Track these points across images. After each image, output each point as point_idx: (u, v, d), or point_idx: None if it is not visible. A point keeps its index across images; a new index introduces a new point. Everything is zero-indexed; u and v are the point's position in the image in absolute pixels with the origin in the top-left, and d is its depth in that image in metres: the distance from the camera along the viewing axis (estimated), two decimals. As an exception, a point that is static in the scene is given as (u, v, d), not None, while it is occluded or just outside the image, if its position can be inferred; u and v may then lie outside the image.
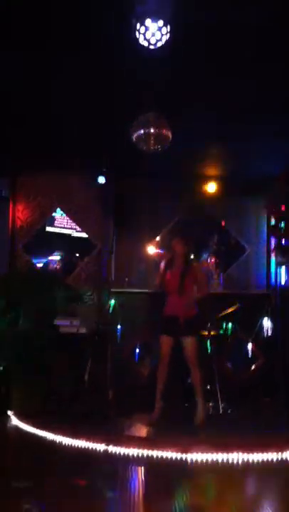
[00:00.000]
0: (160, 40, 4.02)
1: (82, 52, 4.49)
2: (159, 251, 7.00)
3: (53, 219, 8.94)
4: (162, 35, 3.99)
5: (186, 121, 5.53)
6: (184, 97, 5.22)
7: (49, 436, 4.98)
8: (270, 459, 4.32)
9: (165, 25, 3.95)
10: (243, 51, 4.43)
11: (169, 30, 3.97)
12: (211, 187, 7.61)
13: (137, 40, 3.99)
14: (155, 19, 3.94)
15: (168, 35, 4.00)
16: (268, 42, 4.29)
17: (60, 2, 3.87)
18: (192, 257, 8.21)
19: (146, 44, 4.05)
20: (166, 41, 4.04)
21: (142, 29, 3.98)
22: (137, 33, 3.99)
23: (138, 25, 3.97)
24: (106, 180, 7.24)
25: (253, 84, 4.97)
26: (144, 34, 3.99)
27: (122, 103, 5.27)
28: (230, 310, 6.52)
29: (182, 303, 5.53)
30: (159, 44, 4.05)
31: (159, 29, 3.96)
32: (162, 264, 5.76)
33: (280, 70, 4.72)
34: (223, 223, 7.96)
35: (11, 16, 4.01)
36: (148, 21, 3.93)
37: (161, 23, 3.94)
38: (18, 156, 7.01)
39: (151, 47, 4.06)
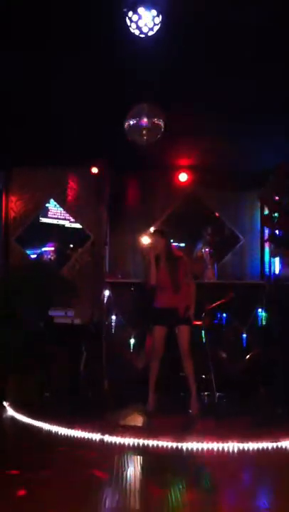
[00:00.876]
0: (152, 29, 4.05)
1: (82, 52, 4.48)
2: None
3: (47, 210, 8.94)
4: (155, 24, 4.03)
5: (185, 118, 5.55)
6: (183, 97, 5.23)
7: (45, 426, 5.00)
8: (265, 448, 4.35)
9: (158, 15, 3.98)
10: (243, 51, 4.43)
11: (160, 19, 3.99)
12: (205, 177, 7.62)
13: (132, 32, 4.01)
14: (148, 8, 3.96)
15: (159, 24, 4.03)
16: (268, 42, 4.30)
17: (60, 2, 3.86)
18: (183, 245, 8.31)
19: (137, 32, 4.07)
20: (158, 31, 4.06)
21: (135, 17, 4.01)
22: (128, 21, 4.01)
23: (130, 13, 4.00)
24: (100, 170, 7.22)
25: (253, 85, 4.99)
26: (136, 22, 4.03)
27: (122, 102, 5.24)
28: (222, 301, 6.54)
29: (178, 296, 5.53)
30: (150, 33, 4.07)
31: (152, 18, 4.00)
32: (152, 262, 5.60)
33: (280, 70, 4.74)
34: (217, 214, 7.96)
35: (11, 16, 4.00)
36: (141, 10, 3.97)
37: (154, 12, 3.97)
38: (17, 155, 6.98)
39: (142, 35, 4.09)
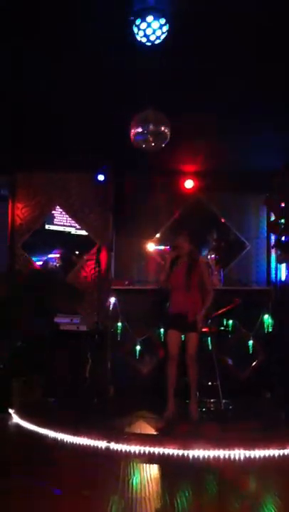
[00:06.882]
0: (159, 37, 4.08)
1: (82, 52, 4.47)
2: (164, 247, 7.02)
3: (53, 217, 8.92)
4: (163, 33, 4.07)
5: (186, 118, 5.53)
6: (183, 95, 5.22)
7: (50, 433, 4.97)
8: (272, 455, 4.31)
9: (166, 23, 4.03)
10: (243, 51, 4.44)
11: (167, 28, 4.03)
12: (210, 182, 7.62)
13: (135, 36, 4.03)
14: (157, 16, 3.99)
15: (166, 32, 4.06)
16: (269, 42, 4.30)
17: (60, 2, 3.88)
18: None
19: (144, 40, 4.10)
20: (165, 39, 4.08)
21: (143, 25, 4.04)
22: (136, 28, 4.03)
23: (138, 21, 4.02)
24: (105, 177, 7.23)
25: (257, 83, 5.00)
26: (144, 30, 4.06)
27: (122, 101, 5.26)
28: (228, 307, 6.51)
29: (190, 300, 5.47)
30: (158, 41, 4.10)
31: (160, 27, 4.03)
32: (168, 261, 5.64)
33: (281, 70, 4.74)
34: (222, 219, 7.94)
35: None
36: (150, 18, 3.99)
37: (163, 20, 4.00)
38: (18, 155, 6.99)
39: (149, 43, 4.11)
